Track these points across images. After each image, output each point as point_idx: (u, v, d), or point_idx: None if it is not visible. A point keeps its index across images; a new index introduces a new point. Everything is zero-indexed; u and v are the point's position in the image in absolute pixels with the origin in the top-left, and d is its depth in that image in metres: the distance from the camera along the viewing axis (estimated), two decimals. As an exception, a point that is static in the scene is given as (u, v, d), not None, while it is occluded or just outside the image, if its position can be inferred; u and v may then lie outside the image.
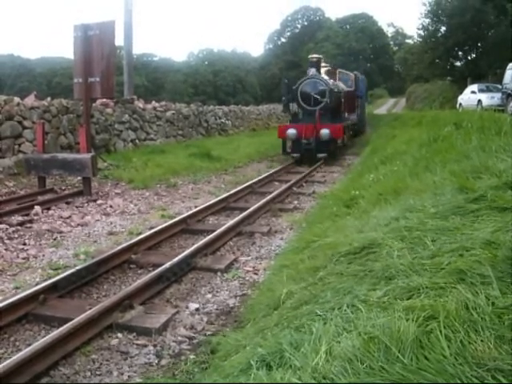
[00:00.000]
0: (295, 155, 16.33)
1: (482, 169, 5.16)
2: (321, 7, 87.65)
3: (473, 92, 26.37)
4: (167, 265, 5.62)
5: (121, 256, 6.22)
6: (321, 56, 18.89)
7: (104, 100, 16.44)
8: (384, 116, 33.45)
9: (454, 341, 2.14)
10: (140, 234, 7.41)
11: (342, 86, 20.21)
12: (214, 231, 7.24)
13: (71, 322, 4.08)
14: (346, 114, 19.66)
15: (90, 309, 4.44)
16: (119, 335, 4.33)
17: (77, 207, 9.58)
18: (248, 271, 6.01)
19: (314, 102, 16.76)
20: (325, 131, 15.77)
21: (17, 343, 4.23)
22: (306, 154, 16.08)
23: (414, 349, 2.15)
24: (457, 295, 2.50)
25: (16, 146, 12.89)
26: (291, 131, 16.11)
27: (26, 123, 13.22)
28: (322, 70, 18.90)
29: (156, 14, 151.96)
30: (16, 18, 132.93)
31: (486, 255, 2.90)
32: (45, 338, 3.89)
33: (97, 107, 16.27)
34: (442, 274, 2.86)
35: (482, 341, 2.11)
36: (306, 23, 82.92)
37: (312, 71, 17.30)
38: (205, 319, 4.71)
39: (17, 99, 13.40)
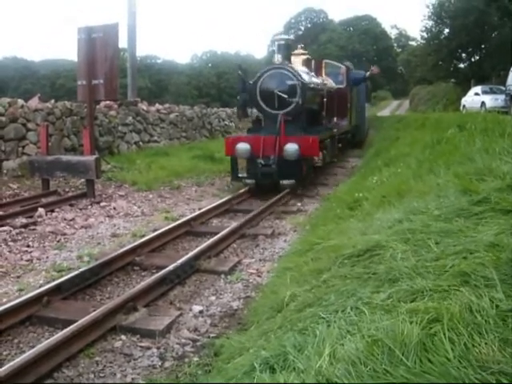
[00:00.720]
0: (249, 181, 11.13)
1: (486, 171, 5.15)
2: (324, 9, 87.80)
3: (476, 94, 26.31)
4: (171, 267, 5.62)
5: (124, 258, 6.22)
6: (292, 37, 13.21)
7: (108, 102, 16.49)
8: (387, 118, 33.41)
9: (457, 344, 2.14)
10: (144, 236, 7.41)
11: (329, 81, 15.63)
12: (217, 233, 7.25)
13: (75, 324, 4.09)
14: (335, 119, 15.06)
15: (94, 311, 4.45)
16: (123, 337, 4.33)
17: (80, 209, 9.59)
18: (251, 273, 6.01)
19: (280, 102, 11.32)
20: (291, 147, 10.69)
21: (20, 345, 4.24)
22: (263, 180, 10.87)
23: (417, 352, 2.15)
24: (461, 298, 2.50)
25: (20, 149, 12.92)
26: (242, 146, 11.04)
27: (29, 125, 13.25)
28: (297, 59, 13.58)
29: (159, 16, 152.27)
30: (20, 20, 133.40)
31: (490, 258, 2.90)
32: (48, 340, 3.90)
33: (100, 109, 16.31)
34: (445, 277, 2.86)
35: (486, 344, 2.11)
36: (309, 25, 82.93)
37: (278, 59, 11.83)
38: (208, 321, 4.71)
39: (21, 101, 13.44)
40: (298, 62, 13.42)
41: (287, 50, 12.31)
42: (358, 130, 20.26)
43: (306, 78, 11.96)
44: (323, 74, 15.80)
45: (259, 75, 11.61)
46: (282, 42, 12.31)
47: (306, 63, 13.98)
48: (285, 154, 10.71)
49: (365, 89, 21.65)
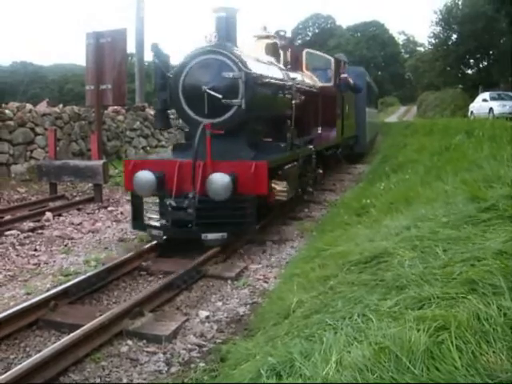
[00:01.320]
0: (155, 233, 6.92)
1: (494, 178, 5.14)
2: (332, 15, 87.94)
3: (484, 100, 26.21)
4: (178, 272, 5.63)
5: (131, 263, 6.23)
6: (237, 8, 7.66)
7: (115, 107, 16.55)
8: (395, 124, 33.33)
9: (465, 352, 2.13)
10: (151, 240, 7.41)
11: (314, 79, 11.66)
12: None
13: (81, 329, 4.10)
14: (319, 130, 10.93)
15: (101, 315, 4.46)
16: (129, 342, 4.33)
17: (88, 214, 9.62)
18: (258, 279, 5.99)
19: (211, 106, 7.06)
20: (218, 179, 6.46)
21: (27, 349, 4.24)
22: (175, 231, 6.82)
23: (424, 359, 2.14)
24: (468, 306, 2.49)
25: (28, 153, 13.00)
26: (142, 177, 6.78)
27: (38, 130, 13.33)
28: (260, 44, 9.46)
29: (167, 21, 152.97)
30: (29, 25, 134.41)
31: (498, 265, 2.89)
32: (55, 345, 3.91)
33: (108, 114, 16.37)
34: (453, 284, 2.85)
35: (493, 352, 2.10)
36: (317, 31, 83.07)
37: (212, 38, 7.38)
38: (215, 327, 4.70)
39: (29, 106, 13.53)
40: (260, 47, 9.30)
41: (231, 26, 7.60)
42: (355, 143, 16.45)
43: (258, 68, 7.58)
44: (304, 68, 11.57)
45: (183, 64, 7.33)
46: (223, 14, 7.47)
47: (274, 51, 9.55)
48: (208, 191, 6.52)
49: (365, 89, 17.60)
